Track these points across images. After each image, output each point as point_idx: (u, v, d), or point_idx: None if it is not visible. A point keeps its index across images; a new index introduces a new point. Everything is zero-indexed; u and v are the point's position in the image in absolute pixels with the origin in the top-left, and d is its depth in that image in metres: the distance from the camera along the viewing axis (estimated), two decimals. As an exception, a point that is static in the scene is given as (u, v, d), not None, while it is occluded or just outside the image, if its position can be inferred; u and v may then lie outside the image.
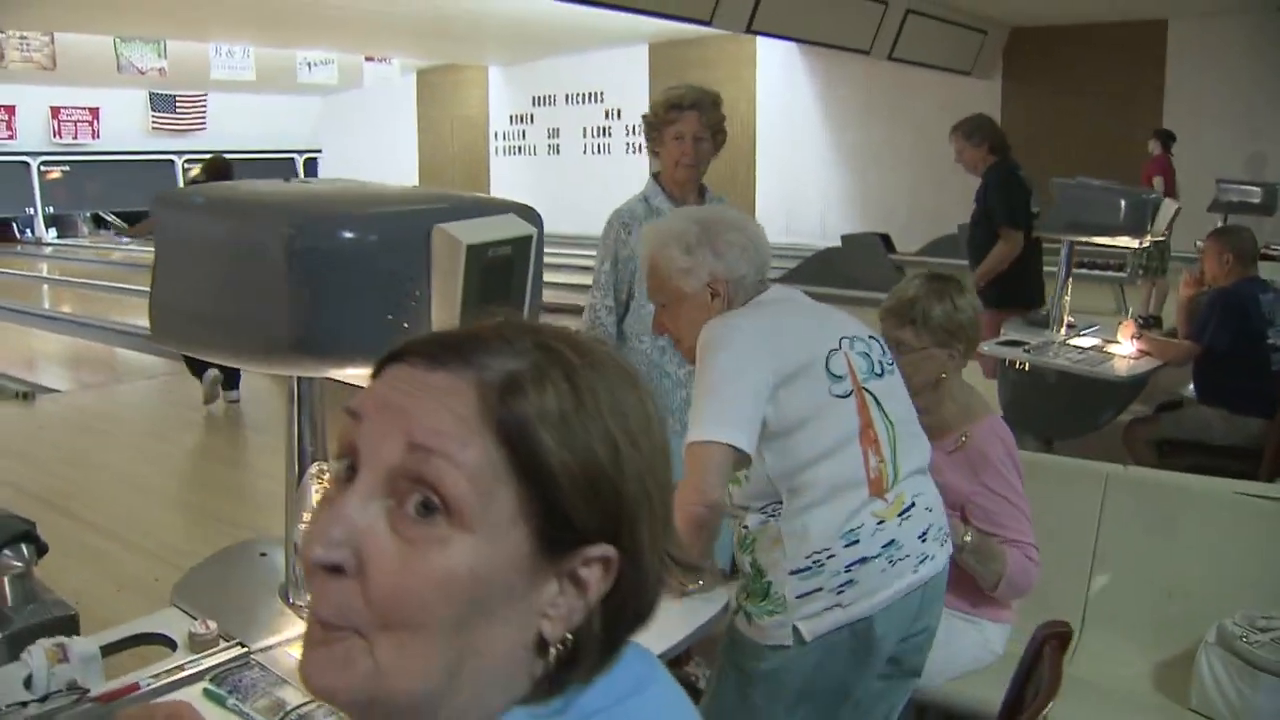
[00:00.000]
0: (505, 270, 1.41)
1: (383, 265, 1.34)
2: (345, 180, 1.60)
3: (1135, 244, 4.90)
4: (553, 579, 0.72)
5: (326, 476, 1.77)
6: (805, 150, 18.94)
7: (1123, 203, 4.79)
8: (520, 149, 22.50)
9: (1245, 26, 14.18)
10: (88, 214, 22.56)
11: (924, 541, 1.99)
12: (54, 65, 16.21)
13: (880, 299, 7.05)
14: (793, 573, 1.90)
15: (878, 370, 2.01)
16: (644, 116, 3.26)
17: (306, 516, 1.73)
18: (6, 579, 2.78)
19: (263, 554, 1.92)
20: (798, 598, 1.90)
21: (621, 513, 0.73)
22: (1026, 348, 4.75)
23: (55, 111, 21.26)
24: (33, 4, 13.36)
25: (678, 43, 19.84)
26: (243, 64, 17.86)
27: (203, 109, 22.98)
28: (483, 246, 1.38)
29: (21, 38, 15.74)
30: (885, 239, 13.28)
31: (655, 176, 3.27)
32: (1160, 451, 4.45)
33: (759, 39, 18.68)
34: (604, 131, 21.46)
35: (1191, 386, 4.72)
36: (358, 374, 1.38)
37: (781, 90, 19.18)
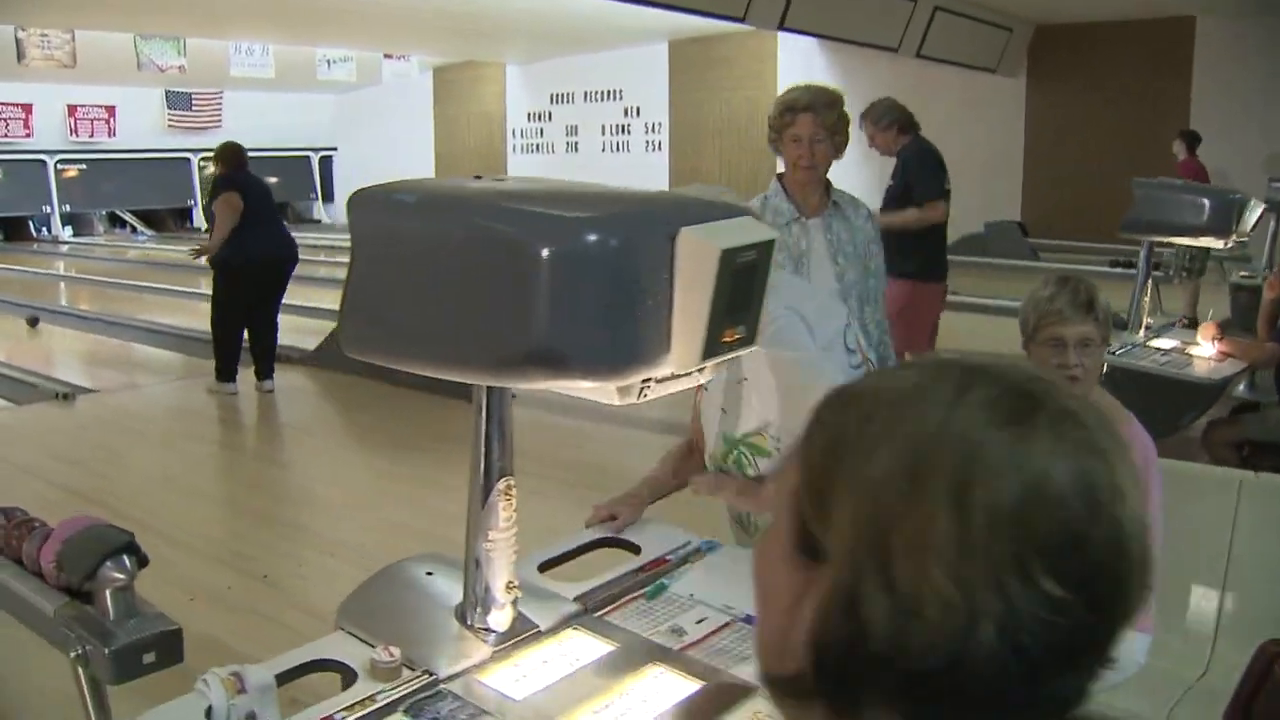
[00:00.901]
0: (749, 277, 1.31)
1: (625, 272, 1.24)
2: (540, 179, 1.49)
3: (1220, 244, 4.80)
4: None
5: (514, 491, 1.68)
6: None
7: (1207, 203, 4.69)
8: (538, 146, 22.41)
9: (1274, 25, 14.06)
10: (103, 212, 22.46)
11: None
12: (74, 63, 16.14)
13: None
14: None
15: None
16: (768, 118, 3.22)
17: (493, 535, 1.63)
18: (108, 592, 2.69)
19: (429, 573, 1.81)
20: None
21: None
22: (1111, 350, 4.65)
23: (72, 110, 21.16)
24: (55, 2, 13.30)
25: (698, 40, 19.75)
26: (262, 61, 17.78)
27: (219, 107, 22.89)
28: (733, 252, 1.28)
29: (43, 35, 15.66)
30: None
31: (780, 176, 3.22)
32: (1241, 454, 4.36)
33: (780, 36, 18.59)
34: (623, 129, 21.37)
35: (1242, 387, 4.65)
36: (579, 385, 1.28)
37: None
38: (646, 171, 20.90)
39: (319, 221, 25.04)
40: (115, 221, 22.57)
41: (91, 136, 21.52)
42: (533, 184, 1.44)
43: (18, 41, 15.59)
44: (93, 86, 20.73)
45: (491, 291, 1.25)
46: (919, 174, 5.45)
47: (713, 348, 1.30)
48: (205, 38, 16.73)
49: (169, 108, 22.24)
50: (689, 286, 1.28)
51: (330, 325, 10.36)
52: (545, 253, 1.21)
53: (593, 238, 1.22)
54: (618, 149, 21.51)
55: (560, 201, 1.33)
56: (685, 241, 1.27)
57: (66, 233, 21.52)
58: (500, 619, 1.61)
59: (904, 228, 5.21)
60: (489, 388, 1.56)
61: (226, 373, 7.21)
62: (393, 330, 1.41)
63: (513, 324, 1.24)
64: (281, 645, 3.63)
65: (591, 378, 1.26)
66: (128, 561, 2.70)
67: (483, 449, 1.59)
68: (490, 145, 22.91)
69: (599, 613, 1.76)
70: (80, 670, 2.74)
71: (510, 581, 1.64)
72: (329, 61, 19.18)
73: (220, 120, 22.97)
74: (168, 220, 23.04)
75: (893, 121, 5.64)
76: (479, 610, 1.64)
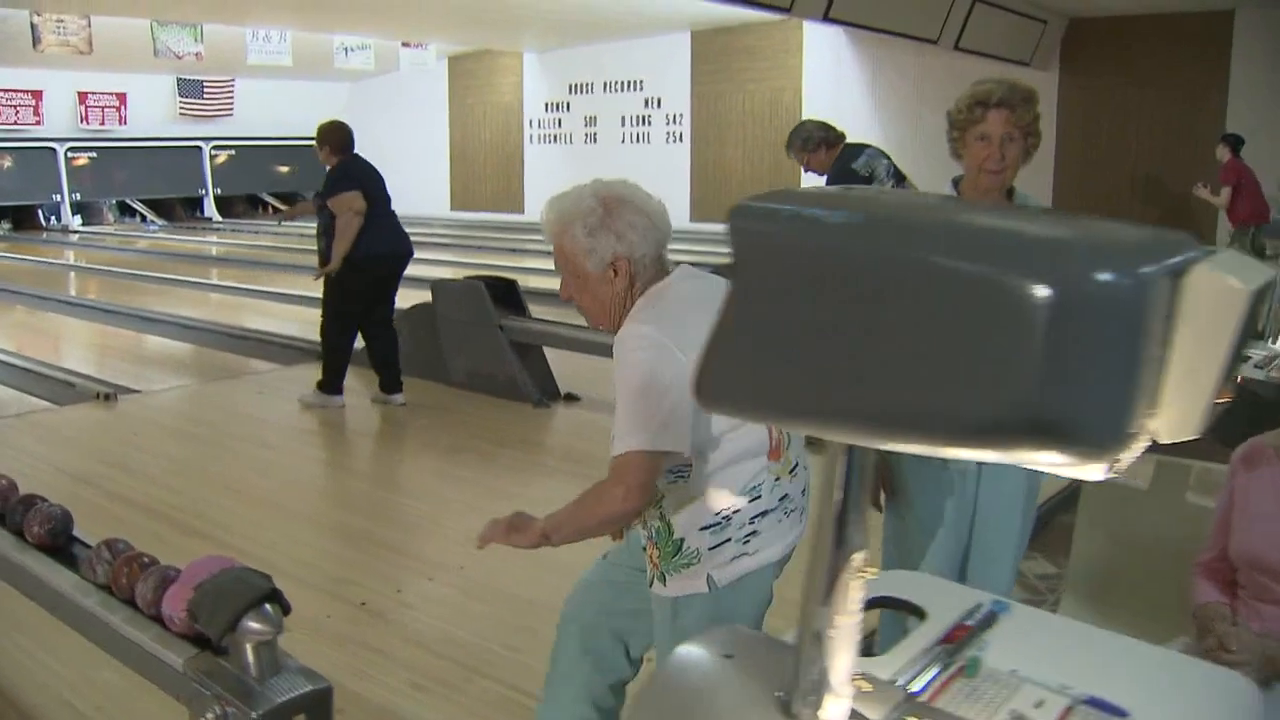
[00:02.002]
0: (1252, 321, 1.01)
1: (1138, 318, 0.94)
2: (944, 195, 1.19)
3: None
4: None
5: (870, 570, 1.38)
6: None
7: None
8: (556, 137, 22.08)
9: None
10: (113, 201, 22.10)
11: (804, 495, 2.26)
12: (90, 49, 15.77)
13: None
14: (703, 528, 2.12)
15: None
16: (947, 114, 2.85)
17: (839, 619, 1.34)
18: (250, 646, 2.39)
19: (728, 656, 1.51)
20: (709, 550, 2.13)
21: None
22: (1254, 362, 4.36)
23: (83, 97, 20.80)
24: (72, -14, 12.97)
25: (722, 30, 19.44)
26: (279, 49, 17.42)
27: (230, 94, 22.54)
28: (1258, 293, 0.98)
29: (59, 21, 15.29)
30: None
31: (955, 182, 2.86)
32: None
33: (806, 27, 18.28)
34: (643, 120, 21.05)
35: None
36: (1056, 459, 0.99)
37: (829, 79, 18.75)
38: (667, 164, 20.60)
39: (330, 212, 24.68)
40: (125, 210, 22.20)
41: (102, 124, 21.17)
42: (983, 207, 1.14)
43: (33, 27, 15.22)
44: (104, 74, 20.38)
45: (968, 341, 0.96)
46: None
47: (1209, 413, 1.00)
48: (223, 24, 16.37)
49: (180, 95, 21.91)
50: (1201, 334, 0.98)
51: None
52: (1064, 296, 0.91)
53: (1107, 277, 0.92)
54: (638, 140, 21.18)
55: (1048, 226, 1.03)
56: (1201, 279, 0.97)
57: (76, 222, 21.16)
58: (837, 712, 1.32)
59: None
60: (851, 446, 1.26)
61: (334, 384, 6.53)
62: (797, 381, 1.11)
63: (1003, 384, 0.94)
64: (402, 685, 3.36)
65: (1090, 450, 0.96)
66: (271, 612, 2.41)
67: (837, 517, 1.29)
68: (507, 136, 22.57)
69: (921, 696, 1.46)
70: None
71: (856, 674, 1.35)
72: (346, 49, 18.82)
73: (232, 109, 22.66)
74: (178, 209, 22.71)
75: (819, 141, 5.74)
76: (812, 702, 1.35)
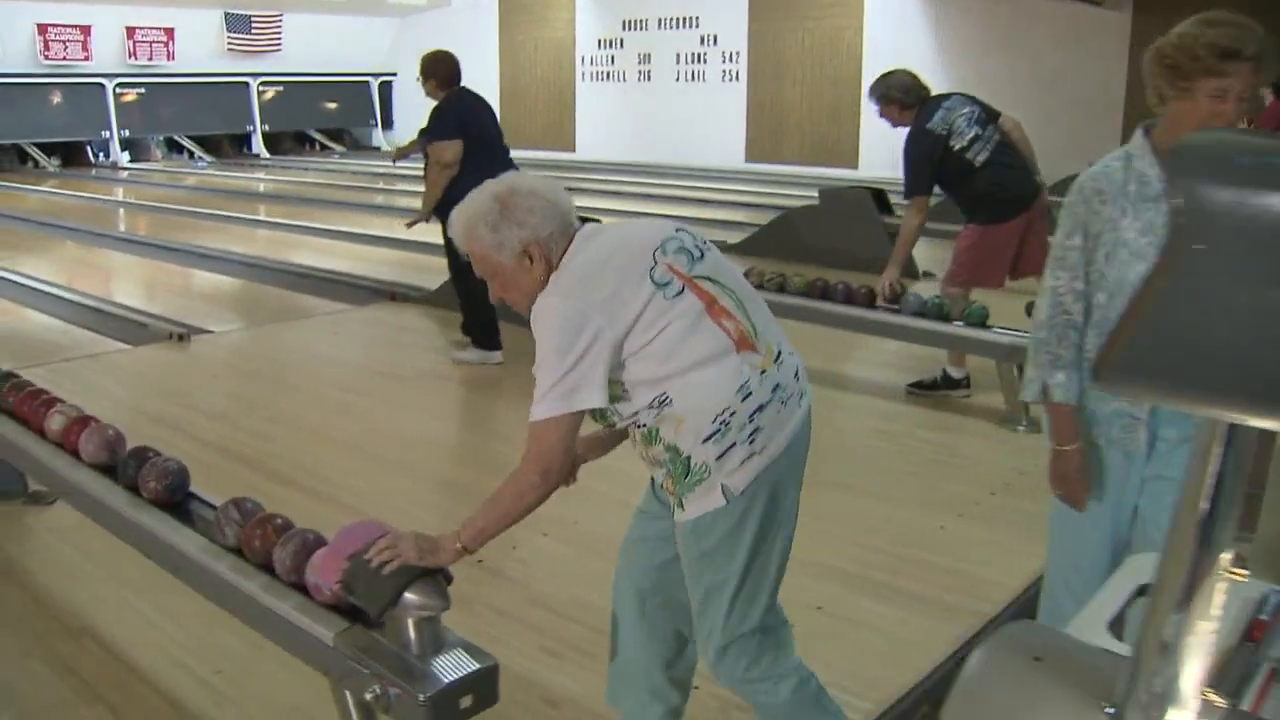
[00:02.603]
0: None
1: None
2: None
3: None
4: None
5: (1240, 572, 1.13)
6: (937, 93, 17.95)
7: None
8: (609, 75, 21.62)
9: None
10: (161, 138, 21.90)
11: (798, 380, 2.25)
12: (142, -19, 15.47)
13: None
14: (705, 440, 2.11)
15: (697, 254, 2.20)
16: (1160, 52, 2.35)
17: (1200, 625, 1.09)
18: (411, 622, 2.17)
19: (1036, 659, 1.26)
20: (717, 460, 2.12)
21: None
22: None
23: (130, 32, 20.52)
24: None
25: (782, -35, 18.91)
26: (332, -18, 17.05)
27: (278, 30, 22.21)
28: None
29: (110, -50, 14.99)
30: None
31: (1147, 130, 2.40)
32: None
33: (868, -37, 17.75)
34: (699, 58, 20.55)
35: None
36: None
37: (891, 20, 18.20)
38: (722, 103, 20.15)
39: (378, 148, 24.41)
40: (173, 147, 22.01)
41: (150, 59, 20.90)
42: None
43: (84, -43, 14.94)
44: (151, 8, 20.11)
45: None
46: (904, 165, 5.43)
47: None
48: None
49: (228, 30, 21.60)
50: None
51: (411, 256, 9.92)
52: None
53: None
54: (692, 78, 20.70)
55: None
56: None
57: (124, 158, 21.00)
58: (1177, 723, 1.08)
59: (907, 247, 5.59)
60: (1232, 429, 1.01)
61: (489, 338, 6.07)
62: (1247, 367, 0.85)
63: None
64: (534, 650, 3.15)
65: None
66: (436, 585, 2.19)
67: (1207, 506, 1.04)
68: (559, 73, 22.14)
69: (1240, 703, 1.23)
70: (373, 714, 2.23)
71: (1205, 689, 1.12)
72: (399, -17, 18.42)
73: (280, 44, 22.35)
74: (225, 146, 22.49)
75: (895, 102, 5.46)
76: (1153, 717, 1.11)
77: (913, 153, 5.36)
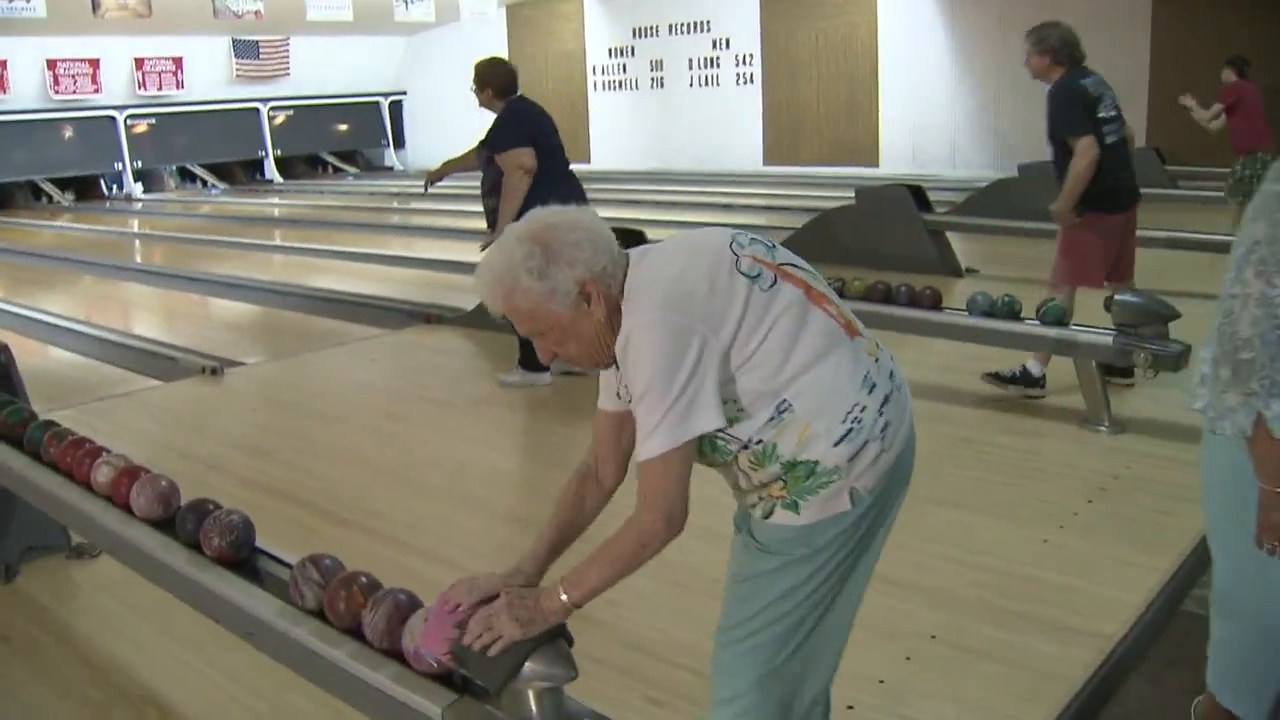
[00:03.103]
0: None
1: None
2: None
3: None
4: None
5: None
6: (931, 75, 17.74)
7: None
8: (621, 84, 21.44)
9: None
10: (173, 168, 21.78)
11: (893, 363, 2.01)
12: (149, 12, 15.40)
13: (1047, 229, 5.95)
14: (837, 443, 1.86)
15: (772, 245, 1.97)
16: None
17: None
18: (533, 694, 1.92)
19: None
20: (849, 461, 1.87)
21: None
22: None
23: (139, 63, 20.46)
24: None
25: (793, -36, 18.69)
26: (339, 3, 16.98)
27: (286, 54, 22.10)
28: None
29: (117, -17, 14.89)
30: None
31: None
32: None
33: (880, -44, 17.51)
34: (712, 63, 20.36)
35: None
36: None
37: (905, 11, 17.98)
38: (739, 106, 19.92)
39: (391, 168, 24.28)
40: (186, 176, 21.89)
41: (160, 89, 20.84)
42: None
43: (92, -9, 14.83)
44: (160, 38, 20.02)
45: None
46: (1058, 112, 5.30)
47: None
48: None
49: (236, 57, 21.54)
50: None
51: (438, 276, 9.74)
52: None
53: None
54: (706, 83, 20.51)
55: None
56: None
57: (138, 189, 20.88)
58: None
59: (1079, 183, 5.23)
60: None
61: (535, 360, 5.39)
62: None
63: None
64: (639, 701, 2.88)
65: None
66: (563, 654, 1.93)
67: None
68: (570, 84, 21.97)
69: None
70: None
71: None
72: (406, 1, 18.27)
73: (288, 68, 22.27)
74: (238, 172, 22.37)
75: (1048, 51, 5.30)
76: None
77: (1065, 100, 5.25)
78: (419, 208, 17.48)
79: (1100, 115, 5.24)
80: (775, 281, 1.87)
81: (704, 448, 1.89)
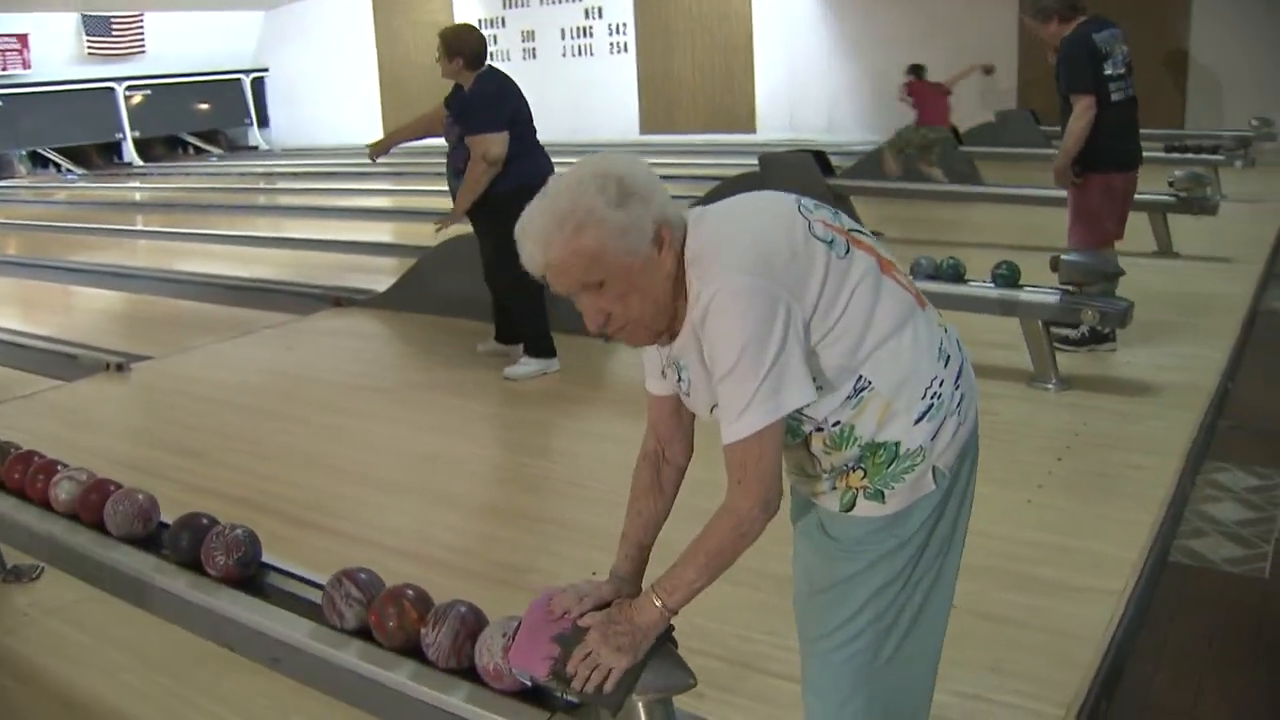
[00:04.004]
0: None
1: None
2: None
3: None
4: None
5: None
6: (807, 41, 17.83)
7: None
8: (492, 55, 20.71)
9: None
10: (23, 152, 20.56)
11: (957, 332, 1.91)
12: (-6, -16, 14.38)
13: (953, 191, 9.06)
14: (918, 421, 1.74)
15: (834, 210, 1.83)
16: None
17: None
18: (643, 705, 1.77)
19: None
20: (931, 439, 1.75)
21: None
22: None
23: (-21, 41, 19.24)
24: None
25: (666, -70, 18.53)
26: (198, -25, 16.14)
27: (140, 30, 21.01)
28: None
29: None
30: (954, 131, 12.35)
31: None
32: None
33: (753, -79, 17.48)
34: (585, 32, 20.11)
35: None
36: None
37: (780, -21, 18.02)
38: (613, 76, 19.74)
39: (255, 148, 23.39)
40: (38, 161, 20.70)
41: (4, 69, 19.58)
42: None
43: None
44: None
45: None
46: (1063, 67, 5.31)
47: None
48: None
49: (87, 34, 20.37)
50: None
51: (333, 257, 9.44)
52: None
53: None
54: (579, 53, 20.27)
55: None
56: None
57: (-15, 177, 19.69)
58: None
59: (1076, 142, 5.26)
60: None
61: (546, 345, 5.44)
62: None
63: None
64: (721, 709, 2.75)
65: None
66: (676, 661, 1.79)
67: None
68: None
69: None
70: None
71: None
72: (268, -28, 17.55)
73: (144, 45, 21.20)
74: (95, 156, 21.24)
75: (1052, 13, 5.33)
76: None
77: (1074, 54, 5.22)
78: (288, 187, 16.88)
79: (1107, 72, 5.23)
80: (849, 249, 1.74)
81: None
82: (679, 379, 1.80)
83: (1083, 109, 5.18)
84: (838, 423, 1.74)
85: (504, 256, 5.19)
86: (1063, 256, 5.01)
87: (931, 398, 1.75)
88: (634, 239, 1.66)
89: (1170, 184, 7.27)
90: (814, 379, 1.68)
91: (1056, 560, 3.37)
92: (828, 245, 1.71)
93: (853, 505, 1.80)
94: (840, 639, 1.85)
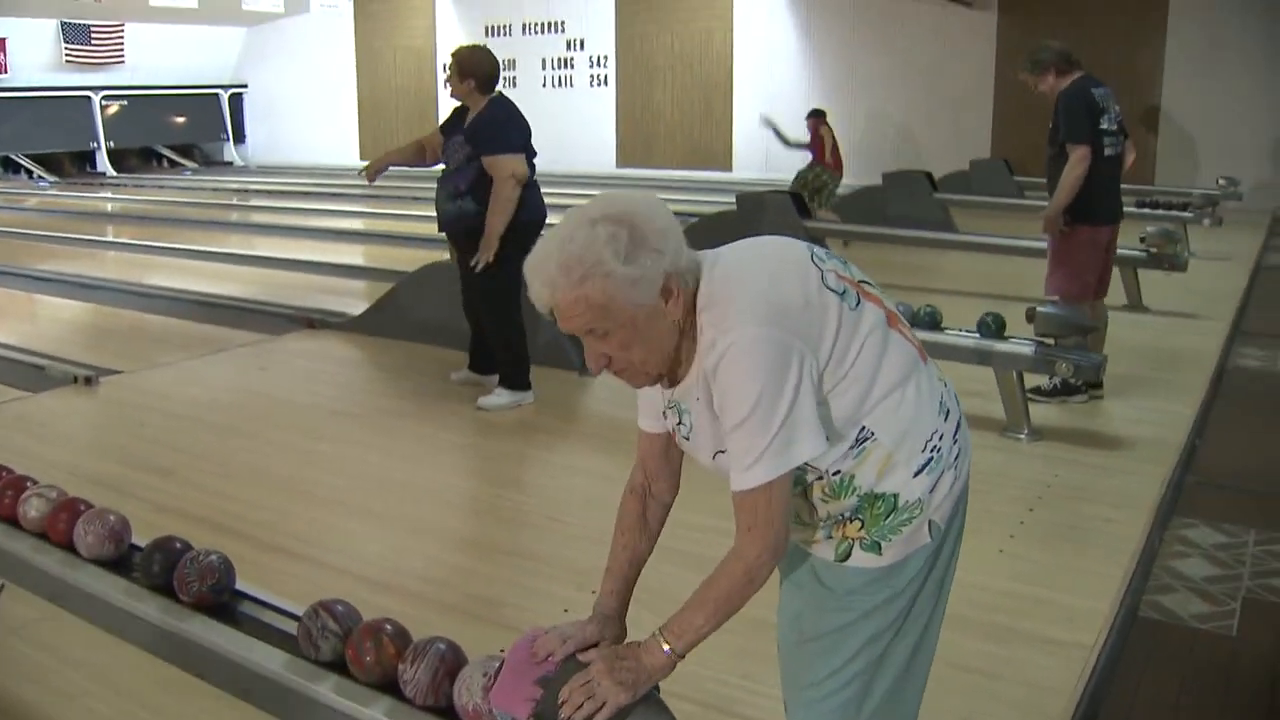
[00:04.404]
0: None
1: None
2: None
3: None
4: None
5: None
6: (786, 83, 18.02)
7: None
8: (474, 82, 21.03)
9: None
10: (-5, 158, 20.41)
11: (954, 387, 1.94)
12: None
13: (927, 237, 8.65)
14: (917, 473, 1.75)
15: (843, 260, 1.84)
16: None
17: None
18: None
19: None
20: (929, 492, 1.77)
21: None
22: None
23: (-44, 44, 19.09)
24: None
25: (649, -33, 18.70)
26: (183, -11, 16.11)
27: (120, 40, 20.93)
28: None
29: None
30: (929, 177, 12.49)
31: None
32: None
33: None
34: (565, 63, 20.25)
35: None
36: None
37: (760, 19, 18.25)
38: (592, 109, 19.88)
39: (231, 164, 23.30)
40: (9, 167, 20.51)
41: (-20, 74, 19.46)
42: None
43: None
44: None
45: None
46: (1063, 118, 5.37)
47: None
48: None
49: (65, 42, 20.28)
50: None
51: (304, 278, 9.39)
52: None
53: None
54: (560, 84, 20.39)
55: None
56: None
57: (-45, 182, 19.48)
58: None
59: (1069, 192, 5.34)
60: None
61: (523, 378, 5.40)
62: None
63: None
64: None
65: None
66: (660, 709, 1.78)
67: None
68: (420, 82, 21.49)
69: None
70: None
71: None
72: (254, -10, 17.55)
73: (123, 55, 21.12)
74: (67, 164, 21.09)
75: (1049, 65, 5.43)
76: None
77: (1074, 105, 5.31)
78: (262, 205, 16.81)
79: (1103, 126, 5.34)
80: (859, 301, 1.75)
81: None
82: (679, 422, 1.80)
83: (1078, 159, 5.26)
84: (838, 472, 1.74)
85: (493, 286, 5.27)
86: (1039, 308, 5.06)
87: (931, 450, 1.76)
88: (641, 291, 1.65)
89: (1142, 239, 7.37)
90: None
91: (1030, 611, 3.37)
92: (840, 296, 1.72)
93: (848, 555, 1.80)
94: (829, 688, 1.84)
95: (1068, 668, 3.03)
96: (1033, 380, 5.30)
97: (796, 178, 11.60)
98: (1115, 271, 7.47)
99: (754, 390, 1.62)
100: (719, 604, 1.71)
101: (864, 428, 1.72)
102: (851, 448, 1.72)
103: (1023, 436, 4.97)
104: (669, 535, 1.97)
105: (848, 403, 1.71)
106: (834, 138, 11.76)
